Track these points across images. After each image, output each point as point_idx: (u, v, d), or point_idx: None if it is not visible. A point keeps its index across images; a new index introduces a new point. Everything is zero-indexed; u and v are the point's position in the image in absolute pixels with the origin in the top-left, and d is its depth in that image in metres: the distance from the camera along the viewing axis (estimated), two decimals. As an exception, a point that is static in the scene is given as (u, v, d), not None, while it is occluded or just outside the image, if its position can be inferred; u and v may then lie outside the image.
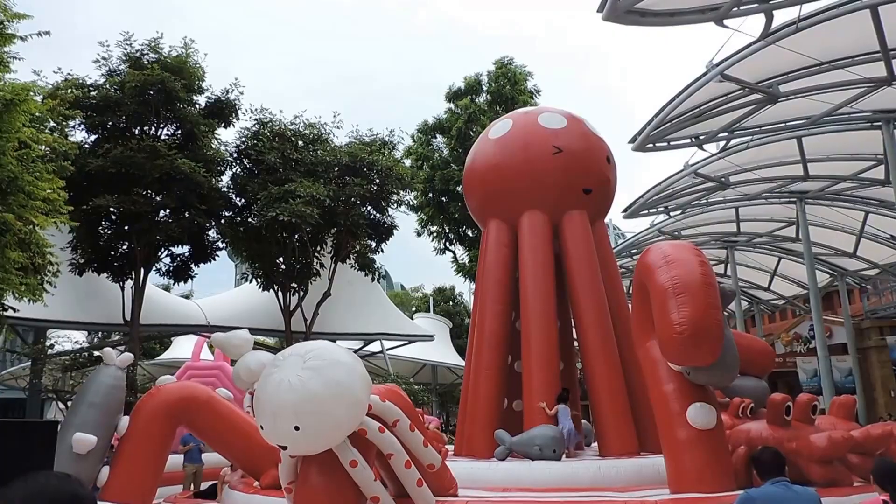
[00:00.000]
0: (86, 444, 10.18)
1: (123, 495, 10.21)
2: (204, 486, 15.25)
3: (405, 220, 52.53)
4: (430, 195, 37.35)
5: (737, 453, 9.83)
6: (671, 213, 35.23)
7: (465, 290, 69.39)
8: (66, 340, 34.46)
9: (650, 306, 9.94)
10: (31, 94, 14.64)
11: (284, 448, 7.49)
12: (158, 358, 48.99)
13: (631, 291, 11.13)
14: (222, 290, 44.99)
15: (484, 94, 38.13)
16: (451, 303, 67.47)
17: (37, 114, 15.52)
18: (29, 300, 16.35)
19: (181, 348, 45.73)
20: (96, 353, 28.91)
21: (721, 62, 21.00)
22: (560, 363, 14.96)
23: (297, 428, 6.99)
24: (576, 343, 16.61)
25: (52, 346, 30.52)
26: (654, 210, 34.35)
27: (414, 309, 67.09)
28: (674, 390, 9.70)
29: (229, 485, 12.63)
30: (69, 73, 24.99)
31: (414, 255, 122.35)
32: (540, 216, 15.11)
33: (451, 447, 15.15)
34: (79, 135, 25.08)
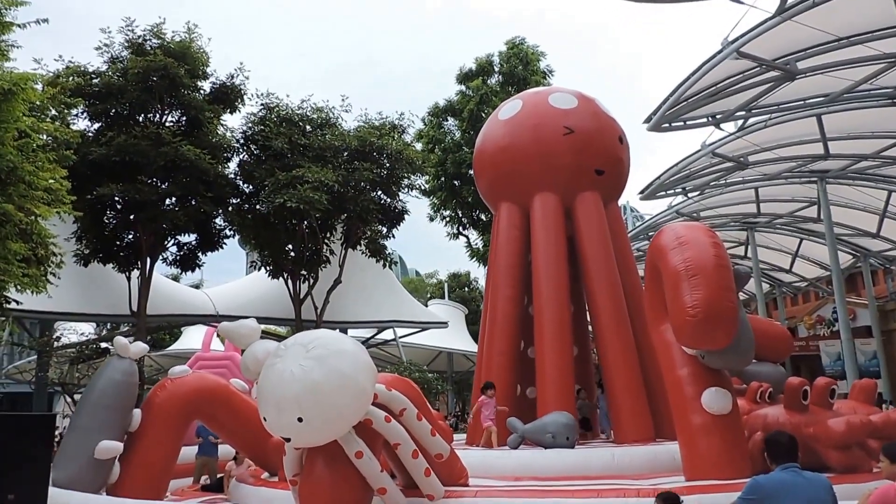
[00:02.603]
0: (112, 451, 10.15)
1: (136, 491, 10.21)
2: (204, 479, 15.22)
3: (419, 206, 52.35)
4: (443, 179, 37.04)
5: (753, 439, 9.76)
6: (689, 195, 35.14)
7: (480, 275, 69.15)
8: (73, 333, 34.65)
9: (663, 289, 9.88)
10: (31, 83, 14.60)
11: (288, 440, 7.48)
12: (168, 349, 49.19)
13: (645, 273, 11.04)
14: (233, 280, 44.94)
15: (496, 76, 37.72)
16: (466, 289, 67.05)
17: (37, 102, 15.50)
18: (33, 292, 16.31)
19: (191, 339, 45.86)
20: (103, 344, 29.01)
21: (737, 39, 20.89)
22: (574, 348, 14.89)
23: (300, 419, 7.00)
24: (590, 328, 16.53)
25: (58, 339, 30.56)
26: (672, 191, 34.27)
27: (429, 295, 66.98)
28: (688, 375, 9.67)
29: (237, 478, 12.65)
30: (70, 61, 24.98)
31: (428, 241, 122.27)
32: (552, 198, 15.03)
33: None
34: (81, 123, 25.00)
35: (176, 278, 41.57)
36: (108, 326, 39.64)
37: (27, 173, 14.39)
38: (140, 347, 11.51)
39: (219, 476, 14.70)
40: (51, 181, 15.84)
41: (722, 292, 8.84)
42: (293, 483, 8.32)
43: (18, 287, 15.65)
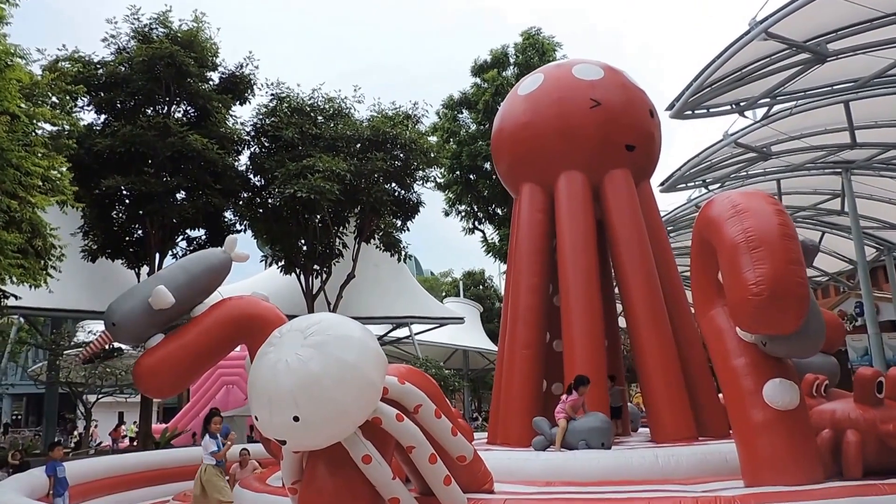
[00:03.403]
0: (163, 300, 9.60)
1: (160, 367, 9.86)
2: None
3: (433, 206, 50.93)
4: (458, 172, 36.03)
5: (821, 438, 8.27)
6: (709, 187, 33.90)
7: (495, 273, 68.37)
8: (92, 333, 33.55)
9: (714, 267, 8.62)
10: (18, 59, 13.82)
11: (283, 443, 6.22)
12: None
13: (690, 251, 9.61)
14: (249, 279, 43.90)
15: (511, 67, 36.67)
16: (481, 287, 66.43)
17: (25, 81, 14.48)
18: (31, 286, 15.46)
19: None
20: (116, 343, 27.86)
21: (765, 19, 19.70)
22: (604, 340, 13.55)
23: (296, 418, 5.80)
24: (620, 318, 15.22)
25: (70, 338, 29.58)
26: (693, 184, 33.06)
27: (444, 294, 66.11)
28: (746, 365, 8.24)
29: (240, 482, 11.59)
30: (74, 51, 23.80)
31: (442, 243, 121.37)
32: (578, 177, 13.80)
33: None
34: (87, 116, 24.11)
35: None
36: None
37: (16, 157, 13.35)
38: (244, 253, 11.23)
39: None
40: (52, 171, 15.00)
41: (790, 266, 7.41)
42: (292, 491, 7.04)
43: (14, 280, 14.66)
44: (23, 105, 13.77)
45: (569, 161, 13.79)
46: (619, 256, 13.54)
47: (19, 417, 60.35)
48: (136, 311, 9.71)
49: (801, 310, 7.42)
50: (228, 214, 27.43)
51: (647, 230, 13.68)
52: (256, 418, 6.12)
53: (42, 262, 15.49)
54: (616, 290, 14.74)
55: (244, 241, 28.39)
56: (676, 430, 12.07)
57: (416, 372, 7.65)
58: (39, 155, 14.43)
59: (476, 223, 37.59)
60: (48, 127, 17.32)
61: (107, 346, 10.62)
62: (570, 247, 13.42)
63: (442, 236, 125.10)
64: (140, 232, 25.41)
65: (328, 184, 24.09)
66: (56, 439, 11.36)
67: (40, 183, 14.39)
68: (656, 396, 12.57)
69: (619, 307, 15.02)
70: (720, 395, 13.48)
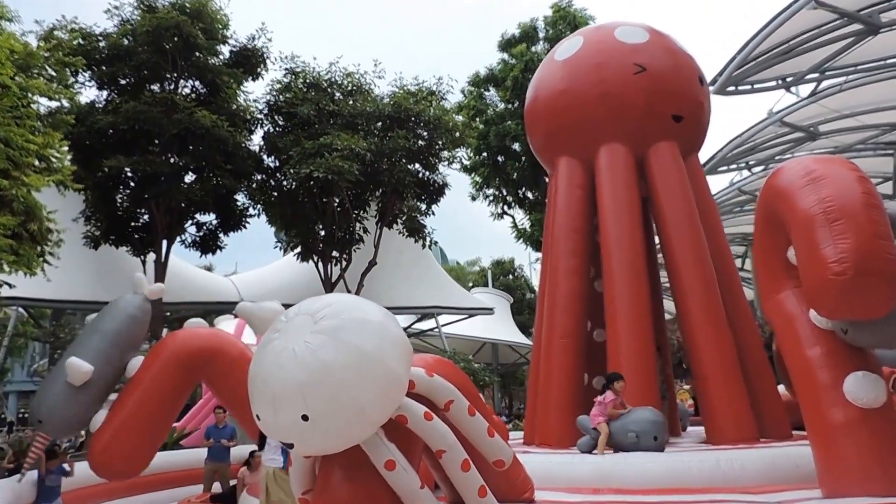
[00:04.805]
0: (79, 372, 8.84)
1: (113, 447, 9.02)
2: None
3: (458, 191, 49.50)
4: (485, 154, 35.45)
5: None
6: (752, 170, 33.23)
7: (525, 262, 67.77)
8: None
9: (782, 245, 7.95)
10: (6, 21, 13.48)
11: (290, 446, 5.56)
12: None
13: (754, 226, 8.89)
14: (264, 268, 43.71)
15: (540, 42, 36.07)
16: (510, 276, 65.85)
17: (18, 50, 14.11)
18: (25, 274, 15.02)
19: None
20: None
21: (816, -15, 19.34)
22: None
23: (305, 417, 5.15)
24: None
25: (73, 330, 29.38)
26: (735, 166, 32.51)
27: (471, 284, 65.69)
28: (822, 355, 7.50)
29: (248, 489, 11.10)
30: (73, 21, 23.34)
31: (467, 230, 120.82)
32: (621, 150, 13.15)
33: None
34: (89, 93, 23.77)
35: (209, 268, 40.28)
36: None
37: (4, 131, 12.97)
38: (157, 287, 10.66)
39: (231, 483, 13.59)
40: (48, 150, 14.65)
41: (877, 241, 6.66)
42: (303, 503, 6.39)
43: (6, 267, 14.29)
44: (14, 77, 13.42)
45: (610, 132, 13.16)
46: (667, 238, 12.87)
47: (26, 415, 60.56)
48: (60, 398, 8.95)
49: (890, 290, 6.69)
50: (240, 197, 27.19)
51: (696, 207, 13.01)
52: (258, 417, 5.48)
53: (38, 247, 15.12)
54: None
55: (258, 226, 27.98)
56: (736, 430, 11.38)
57: (446, 362, 7.02)
58: (33, 131, 14.07)
59: (505, 207, 36.92)
60: (45, 102, 17.02)
61: (52, 445, 10.04)
62: (614, 225, 12.80)
63: (467, 224, 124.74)
64: (146, 216, 25.19)
65: (347, 163, 23.65)
66: (56, 443, 10.97)
67: (35, 162, 14.07)
68: (713, 392, 11.88)
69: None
70: (780, 389, 12.94)
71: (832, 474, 7.32)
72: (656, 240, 14.39)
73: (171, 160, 23.74)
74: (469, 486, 6.16)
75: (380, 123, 27.04)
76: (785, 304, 8.07)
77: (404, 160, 26.76)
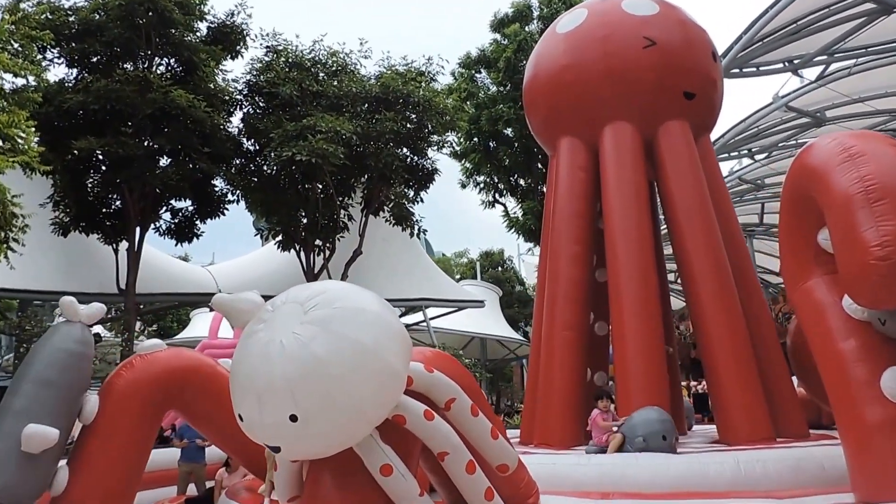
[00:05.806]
0: (44, 440, 7.74)
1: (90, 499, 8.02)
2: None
3: (446, 178, 48.99)
4: (476, 139, 35.27)
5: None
6: (755, 157, 33.02)
7: (514, 253, 67.58)
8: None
9: (812, 228, 7.66)
10: None
11: (277, 450, 5.22)
12: (175, 337, 47.40)
13: (780, 208, 8.52)
14: (243, 257, 43.32)
15: (535, 22, 35.73)
16: (500, 268, 65.62)
17: None
18: None
19: (201, 325, 44.04)
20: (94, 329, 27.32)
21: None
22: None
23: (293, 417, 4.85)
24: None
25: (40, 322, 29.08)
26: (737, 153, 32.29)
27: (458, 276, 65.42)
28: (857, 349, 7.15)
29: (227, 491, 10.70)
30: (42, -2, 22.92)
31: (453, 221, 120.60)
32: (627, 129, 12.77)
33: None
34: (58, 71, 23.32)
35: (185, 258, 39.84)
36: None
37: None
38: (95, 309, 8.95)
39: (207, 486, 13.12)
40: (12, 129, 14.34)
41: (924, 224, 6.32)
42: (289, 510, 6.03)
43: None
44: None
45: (616, 110, 12.79)
46: (677, 224, 12.53)
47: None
48: (15, 468, 7.67)
49: (937, 278, 6.33)
50: (218, 183, 26.89)
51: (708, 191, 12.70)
52: (241, 418, 5.13)
53: (1, 233, 14.88)
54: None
55: (237, 213, 27.60)
56: (752, 428, 11.04)
57: (446, 357, 6.67)
58: (-5, 109, 13.78)
59: (497, 195, 36.74)
60: (9, 78, 16.66)
61: None
62: (620, 211, 12.44)
63: (454, 213, 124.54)
64: (118, 202, 24.84)
65: (331, 146, 23.34)
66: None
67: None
68: (724, 389, 11.54)
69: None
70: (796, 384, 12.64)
71: (867, 478, 6.98)
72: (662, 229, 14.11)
73: (145, 142, 23.38)
74: (475, 490, 5.88)
75: (366, 105, 26.75)
76: (814, 292, 7.73)
77: (392, 144, 26.46)
